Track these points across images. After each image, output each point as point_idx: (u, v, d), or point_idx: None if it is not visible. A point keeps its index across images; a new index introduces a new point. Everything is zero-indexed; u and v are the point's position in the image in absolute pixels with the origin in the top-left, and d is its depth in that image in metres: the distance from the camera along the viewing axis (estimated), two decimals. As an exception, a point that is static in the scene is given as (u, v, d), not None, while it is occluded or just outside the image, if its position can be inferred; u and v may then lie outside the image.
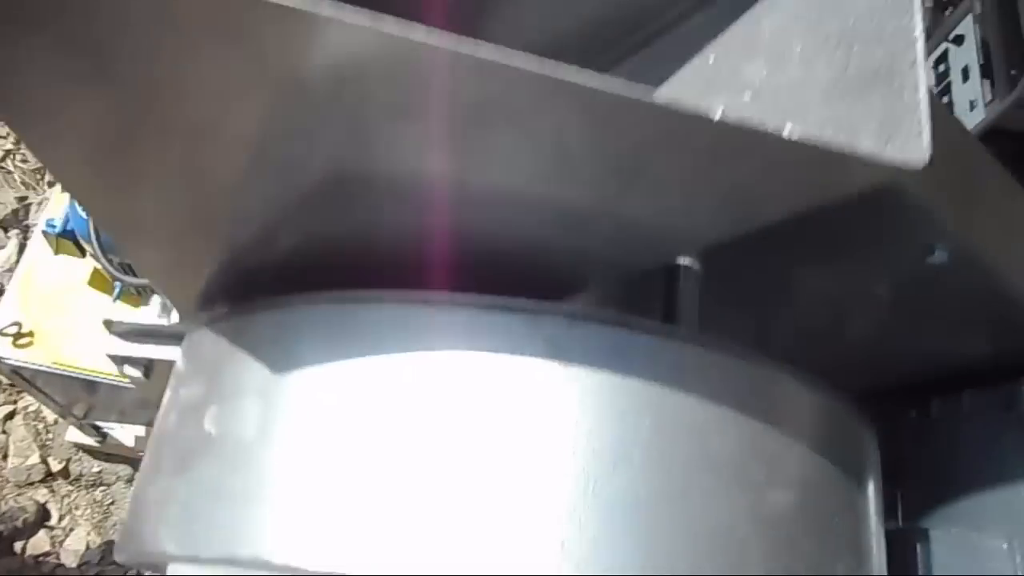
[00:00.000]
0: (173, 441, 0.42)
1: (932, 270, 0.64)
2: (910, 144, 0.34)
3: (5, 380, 3.04)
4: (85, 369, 2.12)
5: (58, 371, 2.13)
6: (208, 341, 0.44)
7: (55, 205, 2.24)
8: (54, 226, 2.10)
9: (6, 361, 2.12)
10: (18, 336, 2.14)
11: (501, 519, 0.34)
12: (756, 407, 0.38)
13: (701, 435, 0.37)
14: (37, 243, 2.24)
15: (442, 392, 0.36)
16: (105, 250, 1.99)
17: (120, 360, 0.50)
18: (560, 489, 0.34)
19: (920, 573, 0.72)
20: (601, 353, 0.36)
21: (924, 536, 0.74)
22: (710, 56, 0.55)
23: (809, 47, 0.43)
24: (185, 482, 0.39)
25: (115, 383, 2.13)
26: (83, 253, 2.18)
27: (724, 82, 0.52)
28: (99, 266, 2.12)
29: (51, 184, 3.30)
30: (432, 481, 0.35)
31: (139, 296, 2.18)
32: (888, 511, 0.78)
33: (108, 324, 0.49)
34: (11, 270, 3.16)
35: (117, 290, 2.12)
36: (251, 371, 0.39)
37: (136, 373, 0.49)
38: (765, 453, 0.39)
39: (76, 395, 2.42)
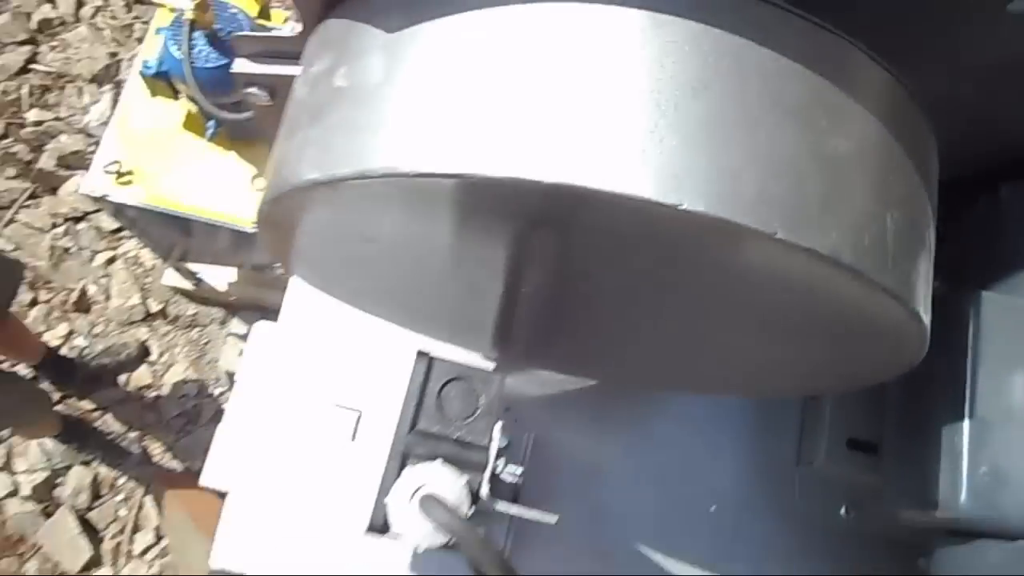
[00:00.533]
0: (305, 105, 0.48)
1: (1012, 20, 0.65)
2: None
3: (106, 228, 3.23)
4: (182, 207, 2.26)
5: (157, 209, 2.27)
6: (334, 24, 0.50)
7: (148, 47, 2.32)
8: (150, 67, 2.19)
9: (109, 198, 2.27)
10: (119, 175, 2.27)
11: (593, 130, 0.40)
12: (826, 68, 0.43)
13: (774, 80, 0.41)
14: (133, 84, 2.34)
15: (546, 30, 0.42)
16: (201, 88, 2.08)
17: (245, 80, 0.55)
18: (645, 108, 0.40)
19: (971, 333, 0.76)
20: (689, 6, 0.41)
21: (977, 299, 0.77)
22: None
23: None
24: (320, 128, 0.45)
25: (210, 222, 2.27)
26: (177, 96, 2.27)
27: None
28: (193, 107, 2.22)
29: (139, 40, 3.40)
30: (533, 88, 0.41)
31: (230, 137, 2.29)
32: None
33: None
34: (105, 123, 3.30)
35: (211, 130, 2.23)
36: (375, 32, 0.45)
37: (262, 94, 0.55)
38: (830, 106, 0.43)
39: (173, 237, 2.56)
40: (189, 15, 2.06)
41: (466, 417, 0.53)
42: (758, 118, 0.40)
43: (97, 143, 3.33)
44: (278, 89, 0.60)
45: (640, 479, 0.91)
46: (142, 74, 2.24)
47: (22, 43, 3.39)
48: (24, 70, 3.37)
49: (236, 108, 2.18)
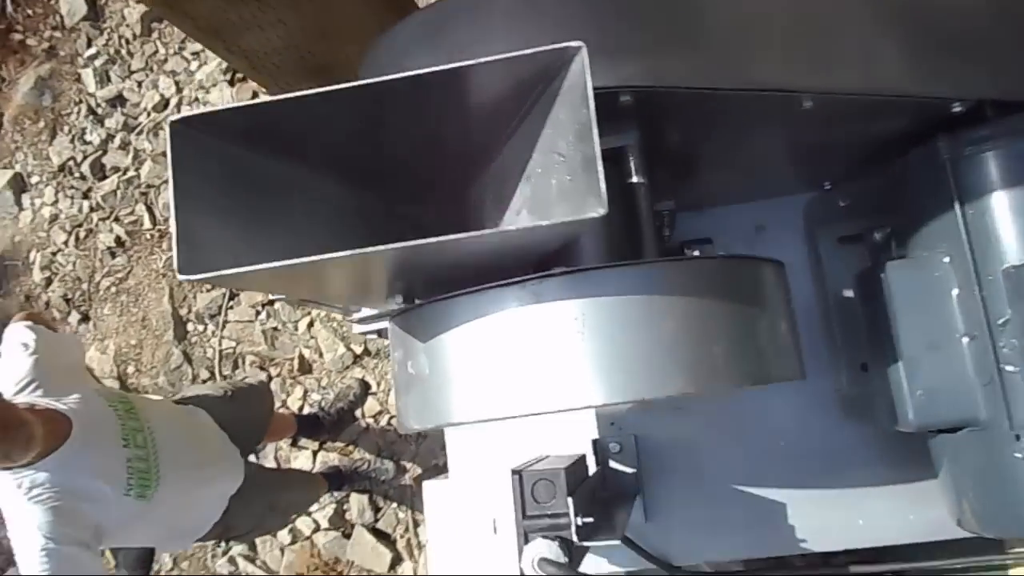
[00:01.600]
0: (399, 378, 0.85)
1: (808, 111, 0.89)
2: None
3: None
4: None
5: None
6: (395, 328, 0.85)
7: None
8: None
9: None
10: (290, 274, 2.77)
11: (552, 375, 0.74)
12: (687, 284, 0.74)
13: (647, 310, 0.73)
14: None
15: (513, 326, 0.75)
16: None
17: (368, 331, 0.94)
18: (565, 334, 0.73)
19: (887, 291, 1.00)
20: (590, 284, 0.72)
21: (886, 268, 1.01)
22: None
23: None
24: (410, 397, 0.82)
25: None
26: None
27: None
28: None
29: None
30: (511, 360, 0.76)
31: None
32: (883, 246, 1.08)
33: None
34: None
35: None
36: (417, 342, 0.80)
37: (374, 336, 0.93)
38: (684, 310, 0.74)
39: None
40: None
41: (551, 499, 0.89)
42: (647, 320, 0.72)
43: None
44: (382, 333, 0.98)
45: (723, 439, 1.25)
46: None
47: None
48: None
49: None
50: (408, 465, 3.64)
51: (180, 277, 0.67)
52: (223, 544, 3.69)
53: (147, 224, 3.90)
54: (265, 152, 0.77)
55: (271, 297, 3.34)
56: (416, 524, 3.62)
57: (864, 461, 1.20)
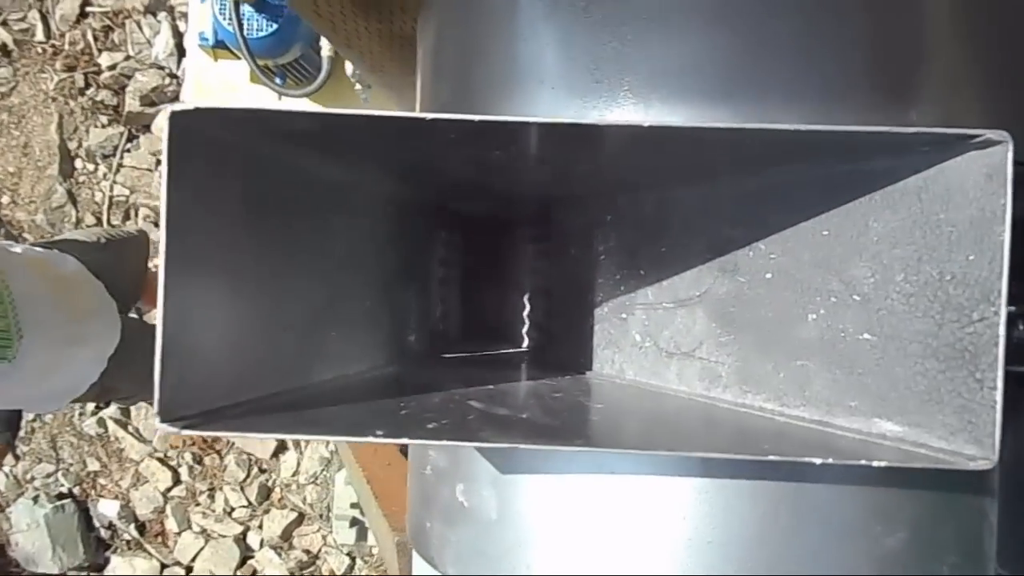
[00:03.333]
0: (433, 491, 0.60)
1: None
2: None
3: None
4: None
5: (252, 164, 2.39)
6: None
7: (199, 21, 2.32)
8: (207, 39, 2.22)
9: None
10: (209, 140, 2.38)
11: None
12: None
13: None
14: (195, 56, 2.38)
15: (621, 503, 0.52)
16: (253, 54, 2.11)
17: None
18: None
19: None
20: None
21: None
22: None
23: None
24: (452, 532, 0.58)
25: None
26: (239, 56, 2.31)
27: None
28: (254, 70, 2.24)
29: (178, -41, 3.35)
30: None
31: (300, 81, 2.33)
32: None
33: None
34: (172, 54, 3.35)
35: (280, 80, 2.27)
36: (487, 465, 0.56)
37: None
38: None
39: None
40: (233, -6, 2.05)
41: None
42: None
43: (171, 75, 3.42)
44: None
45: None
46: (200, 46, 2.28)
47: (72, -13, 3.38)
48: (83, 15, 3.40)
49: (293, 67, 2.22)
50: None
51: (159, 426, 0.40)
52: (101, 406, 3.40)
53: (40, 36, 3.36)
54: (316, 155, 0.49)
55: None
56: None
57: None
